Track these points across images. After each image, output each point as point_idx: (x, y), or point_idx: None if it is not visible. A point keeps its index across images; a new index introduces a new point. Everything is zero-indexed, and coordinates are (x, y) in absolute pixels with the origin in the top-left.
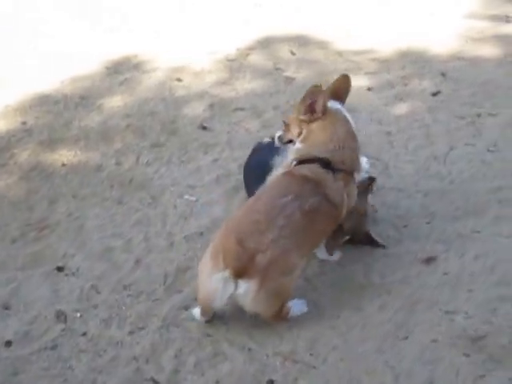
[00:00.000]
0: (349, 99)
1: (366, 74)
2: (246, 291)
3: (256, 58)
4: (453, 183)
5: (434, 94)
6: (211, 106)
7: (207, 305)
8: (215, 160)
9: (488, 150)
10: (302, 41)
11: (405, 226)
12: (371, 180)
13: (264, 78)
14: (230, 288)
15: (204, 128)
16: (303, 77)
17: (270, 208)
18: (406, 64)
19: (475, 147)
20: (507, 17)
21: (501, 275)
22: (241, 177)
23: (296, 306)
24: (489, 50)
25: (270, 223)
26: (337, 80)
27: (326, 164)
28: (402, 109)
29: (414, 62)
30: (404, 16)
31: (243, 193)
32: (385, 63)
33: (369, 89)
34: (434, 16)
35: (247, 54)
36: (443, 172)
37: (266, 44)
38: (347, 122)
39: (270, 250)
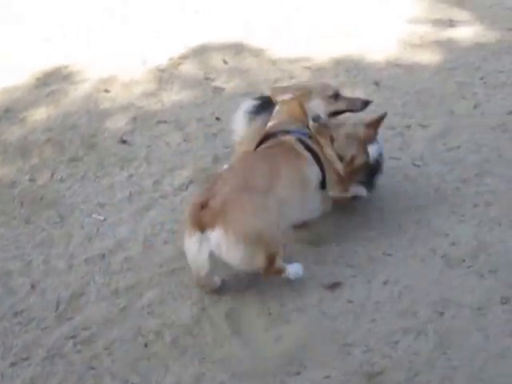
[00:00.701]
0: None
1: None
2: (217, 239)
3: (187, 68)
4: (370, 201)
5: (366, 104)
6: (134, 118)
7: (199, 275)
8: (130, 176)
9: (413, 164)
10: (236, 49)
11: (313, 249)
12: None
13: (192, 88)
14: (205, 245)
15: (124, 142)
16: (233, 87)
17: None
18: (340, 72)
19: (400, 161)
20: (451, 21)
21: (408, 304)
22: (153, 194)
23: (292, 268)
24: (428, 57)
25: (217, 180)
26: None
27: None
28: None
29: (349, 70)
30: (342, 22)
31: (153, 212)
32: (318, 72)
33: None
34: (374, 21)
35: (179, 64)
36: None
37: (199, 53)
38: None
39: (220, 193)
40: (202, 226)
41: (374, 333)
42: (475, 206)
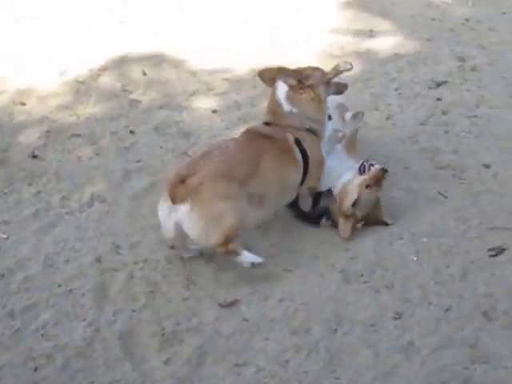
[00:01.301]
0: (190, 123)
1: (216, 94)
2: (183, 213)
3: (106, 80)
4: (277, 213)
5: None
6: (48, 132)
7: (167, 236)
8: (38, 192)
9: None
10: (156, 60)
11: (211, 265)
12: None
13: (109, 101)
14: (173, 215)
15: (35, 157)
16: (149, 99)
17: (208, 148)
18: (258, 83)
19: None
20: (371, 31)
21: (302, 321)
22: (60, 210)
23: (249, 254)
24: None
25: (205, 155)
26: None
27: None
28: None
29: None
30: (265, 33)
31: (58, 229)
32: (237, 83)
33: (214, 111)
34: (297, 32)
35: (98, 75)
36: None
37: (119, 64)
38: None
39: (199, 173)
40: (174, 198)
41: (267, 352)
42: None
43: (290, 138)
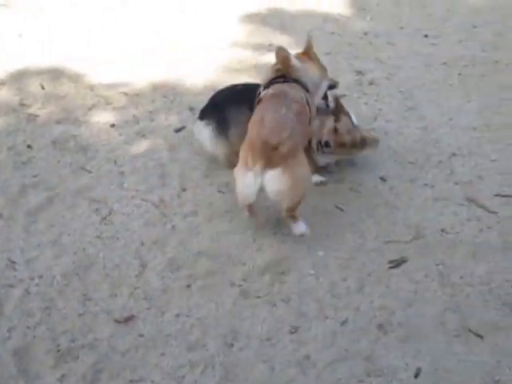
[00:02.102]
0: (88, 137)
1: (114, 109)
2: (273, 177)
3: (3, 94)
4: (174, 229)
5: (178, 131)
6: None
7: (245, 201)
8: None
9: (219, 191)
10: (55, 74)
11: (108, 281)
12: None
13: (7, 115)
14: (259, 179)
15: None
16: (47, 113)
17: (279, 118)
18: (157, 97)
19: (205, 190)
20: (270, 45)
21: (198, 337)
22: None
23: (303, 224)
24: (244, 81)
25: (283, 125)
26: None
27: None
28: (141, 147)
29: (166, 95)
30: (164, 46)
31: None
32: (135, 97)
33: (112, 125)
34: (196, 45)
35: None
36: (166, 218)
37: (18, 78)
38: None
39: (287, 143)
40: (266, 163)
41: (162, 367)
42: (275, 234)
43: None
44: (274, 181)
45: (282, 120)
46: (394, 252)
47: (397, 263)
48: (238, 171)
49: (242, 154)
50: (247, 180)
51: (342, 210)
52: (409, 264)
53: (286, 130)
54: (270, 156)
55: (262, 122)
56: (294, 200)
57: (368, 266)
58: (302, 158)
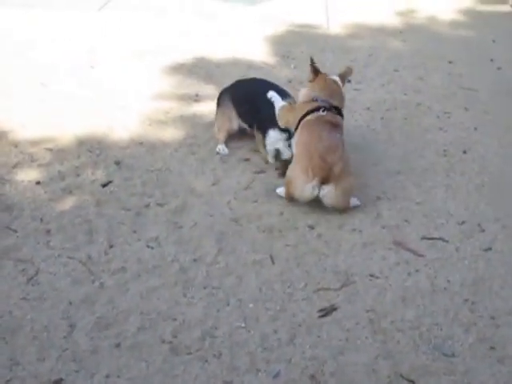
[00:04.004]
0: (13, 195)
1: (39, 165)
2: (329, 192)
3: None
4: (103, 286)
5: (104, 185)
6: None
7: (297, 198)
8: None
9: (147, 246)
10: None
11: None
12: None
13: None
14: (316, 191)
15: None
16: None
17: (333, 139)
18: (83, 152)
19: (133, 245)
20: (196, 95)
21: None
22: None
23: (354, 199)
24: (171, 133)
25: (336, 147)
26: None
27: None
28: (67, 203)
29: (91, 149)
30: (88, 99)
31: None
32: (61, 152)
33: (38, 182)
34: (121, 98)
35: None
36: (94, 276)
37: None
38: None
39: (339, 163)
40: (322, 179)
41: None
42: (205, 287)
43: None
44: (329, 193)
45: (336, 142)
46: (323, 300)
47: (327, 311)
48: (299, 178)
49: (302, 163)
50: (307, 190)
51: (273, 260)
52: (339, 312)
53: (338, 151)
54: (327, 173)
55: (320, 141)
56: (345, 206)
57: (298, 316)
58: (349, 171)
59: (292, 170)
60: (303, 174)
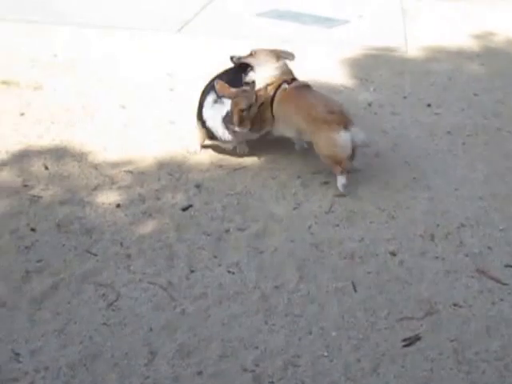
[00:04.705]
0: (93, 218)
1: (119, 188)
2: (356, 131)
3: (6, 175)
4: (184, 313)
5: (185, 209)
6: None
7: (346, 154)
8: None
9: (228, 272)
10: (58, 153)
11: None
12: None
13: (9, 197)
14: (350, 137)
15: None
16: (51, 194)
17: (317, 94)
18: (163, 175)
19: (214, 271)
20: None
21: None
22: None
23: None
24: (251, 156)
25: (326, 96)
26: None
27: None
28: (148, 227)
29: (171, 173)
30: (167, 122)
31: None
32: (141, 175)
33: (118, 205)
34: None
35: None
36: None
37: (20, 158)
38: None
39: (342, 105)
40: (345, 125)
41: None
42: (287, 315)
43: None
44: (359, 133)
45: (321, 94)
46: (407, 329)
47: (410, 341)
48: (332, 140)
49: (321, 129)
50: (345, 141)
51: (354, 287)
52: (423, 341)
53: (331, 98)
54: (343, 119)
55: (313, 101)
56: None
57: (382, 346)
58: None
59: (321, 143)
60: (331, 134)
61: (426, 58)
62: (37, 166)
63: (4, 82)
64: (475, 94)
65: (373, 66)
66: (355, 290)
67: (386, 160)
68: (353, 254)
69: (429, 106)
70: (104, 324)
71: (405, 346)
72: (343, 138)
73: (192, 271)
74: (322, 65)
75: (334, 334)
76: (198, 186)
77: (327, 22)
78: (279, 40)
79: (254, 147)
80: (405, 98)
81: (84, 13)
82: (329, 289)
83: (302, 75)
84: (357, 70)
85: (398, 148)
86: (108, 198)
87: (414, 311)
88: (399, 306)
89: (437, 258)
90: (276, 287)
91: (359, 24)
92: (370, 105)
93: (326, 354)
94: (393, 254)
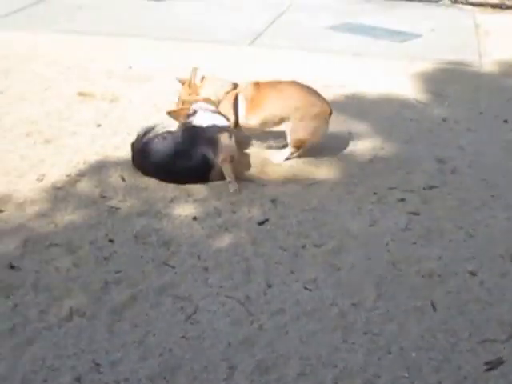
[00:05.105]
0: (170, 231)
1: (195, 201)
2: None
3: (84, 186)
4: (262, 328)
5: (261, 223)
6: (25, 241)
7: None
8: (15, 305)
9: (305, 288)
10: None
11: None
12: None
13: (87, 208)
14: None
15: (12, 267)
16: (128, 206)
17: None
18: (238, 189)
19: (291, 286)
20: (349, 133)
21: None
22: (38, 325)
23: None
24: (326, 171)
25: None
26: None
27: None
28: (224, 240)
29: (246, 187)
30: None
31: (36, 346)
32: (216, 188)
33: (194, 218)
34: (272, 137)
35: (76, 181)
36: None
37: (97, 169)
38: None
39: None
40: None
41: None
42: (365, 333)
43: None
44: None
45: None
46: (489, 352)
47: (493, 365)
48: (317, 127)
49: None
50: (326, 129)
51: (434, 307)
52: (506, 365)
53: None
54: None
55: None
56: None
57: (463, 368)
58: None
59: (301, 129)
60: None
61: (501, 73)
62: (114, 178)
63: (81, 94)
64: None
65: (446, 81)
66: (434, 310)
67: (463, 177)
68: (431, 273)
69: (505, 122)
70: (183, 337)
71: (487, 369)
72: (327, 128)
73: (269, 286)
74: (395, 78)
75: (413, 354)
76: (273, 201)
77: (399, 35)
78: (351, 53)
79: (328, 161)
80: (481, 113)
81: (158, 26)
82: (407, 307)
83: (374, 88)
84: (430, 84)
85: (475, 165)
86: (184, 210)
87: (495, 333)
88: (480, 327)
89: None
90: (353, 304)
91: (432, 38)
92: (444, 120)
93: (406, 374)
94: (472, 273)
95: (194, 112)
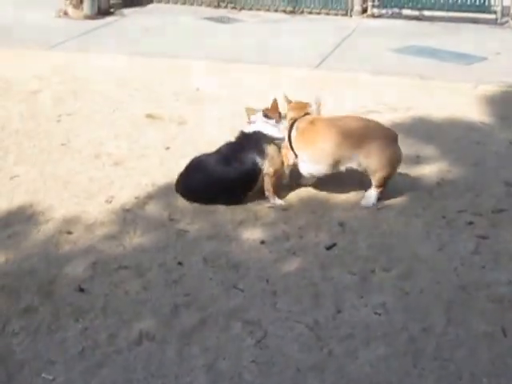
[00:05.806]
0: (238, 254)
1: (263, 224)
2: None
3: (152, 208)
4: (331, 354)
5: (329, 248)
6: (94, 263)
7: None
8: (85, 329)
9: (375, 313)
10: None
11: None
12: None
13: (156, 230)
14: None
15: (81, 290)
16: (197, 229)
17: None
18: (306, 213)
19: (361, 311)
20: (417, 157)
21: None
22: (107, 349)
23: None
24: (393, 195)
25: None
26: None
27: None
28: (292, 264)
29: (315, 210)
30: None
31: (106, 370)
32: (283, 212)
33: (262, 242)
34: None
35: (145, 204)
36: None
37: (166, 192)
38: None
39: None
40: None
41: None
42: (435, 358)
43: None
44: None
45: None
46: None
47: None
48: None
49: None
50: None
51: (504, 333)
52: None
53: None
54: None
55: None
56: None
57: None
58: None
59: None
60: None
61: None
62: (182, 200)
63: (149, 116)
64: None
65: None
66: (505, 336)
67: None
68: (501, 298)
69: None
70: (253, 362)
71: None
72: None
73: (338, 311)
74: (460, 101)
75: (484, 380)
76: (341, 225)
77: (465, 58)
78: (417, 76)
79: (395, 184)
80: None
81: (224, 48)
82: (478, 333)
83: (440, 111)
84: (496, 107)
85: None
86: (252, 234)
87: None
88: None
89: None
90: (423, 329)
91: (497, 61)
92: (511, 143)
93: None
94: None
95: (253, 122)
